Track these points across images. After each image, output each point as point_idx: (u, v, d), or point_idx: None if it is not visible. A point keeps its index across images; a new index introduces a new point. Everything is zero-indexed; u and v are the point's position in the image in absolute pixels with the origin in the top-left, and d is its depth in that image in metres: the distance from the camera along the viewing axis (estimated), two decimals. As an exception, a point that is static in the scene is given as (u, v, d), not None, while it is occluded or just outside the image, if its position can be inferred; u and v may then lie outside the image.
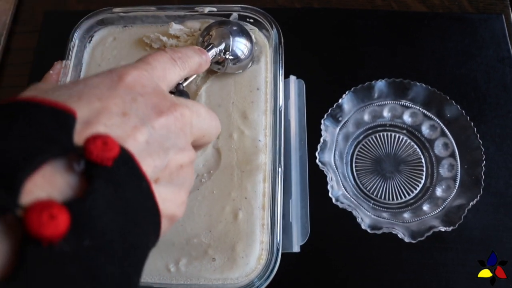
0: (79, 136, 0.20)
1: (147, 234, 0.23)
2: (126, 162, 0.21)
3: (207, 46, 0.39)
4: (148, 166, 0.22)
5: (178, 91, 0.35)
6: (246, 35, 0.43)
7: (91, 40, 0.46)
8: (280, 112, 0.41)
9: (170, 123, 0.25)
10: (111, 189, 0.20)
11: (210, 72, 0.44)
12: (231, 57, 0.41)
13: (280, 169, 0.39)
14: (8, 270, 0.16)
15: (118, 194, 0.20)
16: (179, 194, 0.26)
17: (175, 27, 0.45)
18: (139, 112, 0.23)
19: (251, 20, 0.45)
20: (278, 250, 0.36)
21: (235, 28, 0.42)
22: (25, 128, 0.19)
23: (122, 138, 0.21)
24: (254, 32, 0.45)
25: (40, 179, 0.18)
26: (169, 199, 0.25)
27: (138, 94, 0.24)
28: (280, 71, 0.42)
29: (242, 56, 0.42)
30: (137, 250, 0.21)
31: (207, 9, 0.45)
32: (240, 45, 0.42)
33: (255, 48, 0.44)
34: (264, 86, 0.43)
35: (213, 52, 0.39)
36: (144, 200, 0.22)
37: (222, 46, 0.41)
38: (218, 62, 0.41)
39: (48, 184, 0.18)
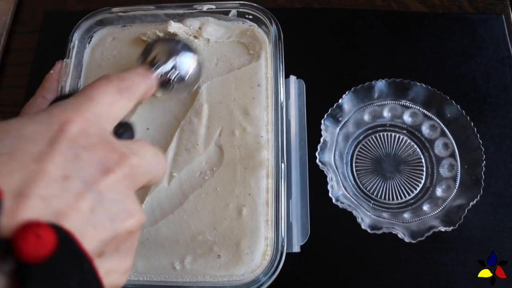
0: (8, 220, 0.17)
1: None
2: (66, 247, 0.18)
3: (151, 67, 0.35)
4: (92, 240, 0.20)
5: (121, 125, 0.30)
6: (192, 50, 0.39)
7: (90, 40, 0.46)
8: (282, 108, 0.41)
9: (118, 182, 0.22)
10: (50, 284, 0.17)
11: (208, 71, 0.43)
12: (177, 76, 0.37)
13: (283, 164, 0.39)
14: None
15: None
16: (125, 261, 0.23)
17: (174, 26, 0.45)
18: (83, 173, 0.20)
19: (250, 17, 0.45)
20: (283, 246, 0.36)
21: (180, 45, 0.38)
22: None
23: (61, 214, 0.19)
24: (254, 28, 0.45)
25: None
26: (113, 270, 0.22)
27: (82, 148, 0.21)
28: (281, 67, 0.42)
29: (188, 75, 0.38)
30: None
31: (206, 7, 0.45)
32: (186, 63, 0.38)
33: (254, 45, 0.44)
34: (265, 82, 0.43)
35: (157, 73, 0.35)
36: (87, 284, 0.19)
37: (168, 65, 0.36)
38: (163, 83, 0.36)
39: None
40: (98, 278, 0.19)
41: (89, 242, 0.19)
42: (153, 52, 0.37)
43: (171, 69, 0.36)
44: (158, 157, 0.27)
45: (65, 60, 0.42)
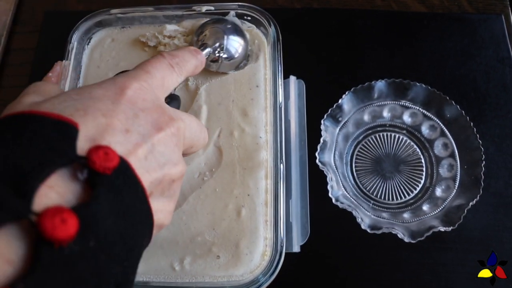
0: (83, 147, 0.22)
1: (142, 238, 0.24)
2: (125, 172, 0.22)
3: (201, 45, 0.39)
4: (145, 181, 0.24)
5: (170, 96, 0.34)
6: (240, 33, 0.43)
7: (89, 42, 0.46)
8: (280, 109, 0.41)
9: (167, 139, 0.26)
10: (112, 195, 0.21)
11: (207, 72, 0.44)
12: (225, 56, 0.41)
13: (282, 165, 0.39)
14: (24, 269, 0.18)
15: (118, 200, 0.21)
16: (169, 205, 0.28)
17: (169, 28, 0.45)
18: (140, 128, 0.25)
19: (249, 18, 0.45)
20: (282, 246, 0.36)
21: (229, 26, 0.42)
22: (32, 140, 0.20)
23: (124, 155, 0.23)
24: (252, 30, 0.45)
25: (48, 187, 0.20)
26: (160, 210, 0.26)
27: (140, 109, 0.26)
28: (279, 68, 0.42)
29: (236, 54, 0.42)
30: (134, 251, 0.23)
31: (204, 8, 0.45)
32: (234, 43, 0.42)
33: (253, 46, 0.45)
34: (263, 83, 0.43)
35: (207, 51, 0.39)
36: (140, 208, 0.24)
37: (217, 45, 0.41)
38: (212, 60, 0.41)
39: (55, 192, 0.20)
40: (149, 206, 0.24)
41: (143, 180, 0.23)
42: (204, 32, 0.42)
43: (220, 48, 0.41)
44: (201, 127, 0.32)
45: (63, 62, 0.42)
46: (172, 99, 0.36)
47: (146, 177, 0.24)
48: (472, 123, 0.43)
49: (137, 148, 0.24)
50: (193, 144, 0.31)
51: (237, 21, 0.45)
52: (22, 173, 0.19)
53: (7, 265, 0.17)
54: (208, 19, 0.45)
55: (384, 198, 0.44)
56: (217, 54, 0.41)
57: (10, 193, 0.18)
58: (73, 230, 0.18)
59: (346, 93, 0.45)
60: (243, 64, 0.43)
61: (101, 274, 0.20)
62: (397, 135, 0.47)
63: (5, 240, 0.18)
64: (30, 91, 0.27)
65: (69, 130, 0.22)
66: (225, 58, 0.41)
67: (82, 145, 0.22)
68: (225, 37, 0.41)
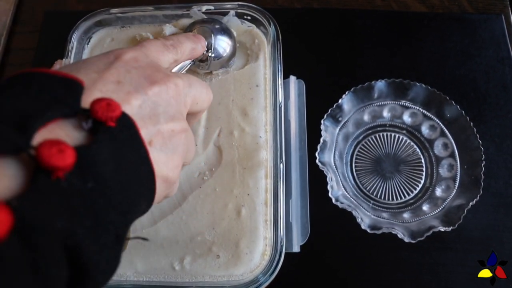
0: (87, 101, 0.23)
1: (144, 191, 0.25)
2: (127, 124, 0.23)
3: None
4: (142, 128, 0.24)
5: None
6: (228, 32, 0.43)
7: (89, 41, 0.46)
8: (280, 108, 0.41)
9: (163, 91, 0.27)
10: (114, 144, 0.22)
11: (207, 72, 0.44)
12: (213, 55, 0.41)
13: (281, 165, 0.39)
14: (21, 193, 0.18)
15: (119, 151, 0.22)
16: (172, 158, 0.27)
17: (167, 30, 0.45)
18: (133, 81, 0.26)
19: (249, 18, 0.45)
20: (282, 245, 0.36)
21: (217, 26, 0.42)
22: (38, 92, 0.21)
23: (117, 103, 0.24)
24: (252, 29, 0.45)
25: (49, 131, 0.20)
26: (162, 162, 0.26)
27: (133, 67, 0.27)
28: (279, 68, 0.43)
29: (224, 53, 0.42)
30: (136, 206, 0.24)
31: (204, 8, 0.45)
32: (222, 43, 0.42)
33: (253, 45, 0.45)
34: (263, 83, 0.43)
35: None
36: (141, 160, 0.24)
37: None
38: (201, 60, 0.41)
39: (56, 135, 0.21)
40: (148, 158, 0.24)
41: (138, 127, 0.24)
42: (193, 32, 0.42)
43: (208, 48, 0.41)
44: (202, 83, 0.32)
45: (63, 60, 0.43)
46: None
47: (141, 124, 0.24)
48: (472, 123, 0.43)
49: (130, 96, 0.24)
50: (197, 99, 0.31)
51: (237, 20, 0.45)
52: (26, 116, 0.20)
53: (6, 190, 0.18)
54: (205, 16, 0.45)
55: (384, 198, 0.44)
56: (206, 53, 0.41)
57: (11, 130, 0.19)
58: (69, 161, 0.19)
59: (346, 93, 0.45)
60: (232, 62, 0.44)
61: (98, 217, 0.20)
62: (397, 135, 0.47)
63: (4, 169, 0.18)
64: None
65: (75, 86, 0.23)
66: (214, 57, 0.42)
67: (86, 99, 0.23)
68: (213, 36, 0.41)
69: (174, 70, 0.35)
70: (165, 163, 0.27)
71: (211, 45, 0.41)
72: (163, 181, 0.27)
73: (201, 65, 0.42)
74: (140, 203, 0.24)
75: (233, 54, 0.43)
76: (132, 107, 0.24)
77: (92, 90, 0.23)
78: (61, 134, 0.21)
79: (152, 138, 0.25)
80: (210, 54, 0.41)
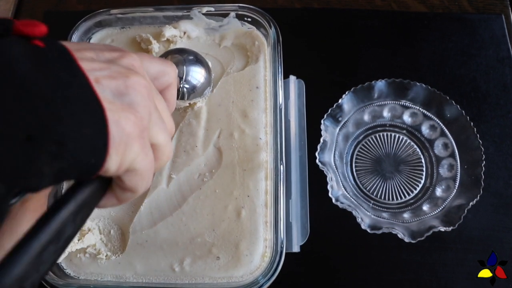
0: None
1: (86, 118, 0.21)
2: (58, 47, 0.22)
3: None
4: (82, 60, 0.22)
5: None
6: (201, 62, 0.41)
7: (89, 42, 0.46)
8: (280, 110, 0.41)
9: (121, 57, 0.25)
10: (33, 54, 0.20)
11: None
12: (186, 86, 0.39)
13: (281, 166, 0.39)
14: None
15: (44, 65, 0.20)
16: (135, 114, 0.23)
17: (166, 34, 0.45)
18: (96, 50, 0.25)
19: (249, 19, 0.45)
20: (282, 247, 0.36)
21: (190, 57, 0.40)
22: None
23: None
24: (253, 31, 0.45)
25: None
26: (123, 118, 0.22)
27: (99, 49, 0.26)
28: (279, 69, 0.42)
29: (198, 84, 0.40)
30: (66, 127, 0.20)
31: (205, 9, 0.45)
32: (195, 74, 0.40)
33: (253, 47, 0.45)
34: (263, 85, 0.43)
35: None
36: (78, 86, 0.21)
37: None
38: None
39: None
40: (91, 88, 0.21)
41: (80, 54, 0.23)
42: None
43: (180, 79, 0.39)
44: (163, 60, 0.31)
45: None
46: None
47: (79, 55, 0.22)
48: (472, 123, 0.43)
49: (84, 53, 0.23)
50: (158, 72, 0.30)
51: (237, 22, 0.45)
52: None
53: None
54: (172, 48, 0.44)
55: (384, 198, 0.44)
56: (179, 85, 0.39)
57: None
58: None
59: (346, 93, 0.45)
60: (207, 91, 0.42)
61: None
62: (397, 135, 0.47)
63: None
64: None
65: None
66: (187, 88, 0.40)
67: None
68: (185, 68, 0.39)
69: None
70: (127, 119, 0.22)
71: (183, 77, 0.39)
72: (121, 136, 0.22)
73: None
74: (82, 130, 0.20)
75: (207, 83, 0.41)
76: (88, 59, 0.23)
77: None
78: None
79: (99, 75, 0.22)
80: (182, 85, 0.39)
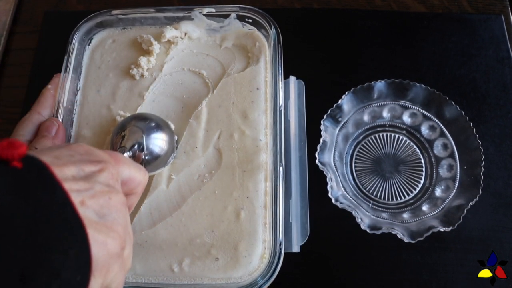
0: None
1: (64, 241, 0.21)
2: (36, 164, 0.22)
3: (119, 148, 0.36)
4: (63, 173, 0.23)
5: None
6: (163, 128, 0.39)
7: (90, 42, 0.46)
8: (280, 111, 0.41)
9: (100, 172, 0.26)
10: (13, 179, 0.20)
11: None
12: (148, 156, 0.37)
13: (281, 168, 0.39)
14: None
15: (24, 190, 0.20)
16: (112, 230, 0.24)
17: (167, 35, 0.45)
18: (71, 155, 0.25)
19: (250, 20, 0.45)
20: (281, 248, 0.37)
21: (152, 124, 0.39)
22: None
23: (40, 152, 0.24)
24: (253, 32, 0.45)
25: None
26: (104, 236, 0.23)
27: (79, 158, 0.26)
28: (280, 71, 0.42)
29: (162, 152, 0.39)
30: (52, 254, 0.20)
31: (205, 10, 0.45)
32: (157, 141, 0.38)
33: (253, 48, 0.45)
34: (264, 86, 0.43)
35: (126, 155, 0.35)
36: (58, 205, 0.22)
37: (135, 147, 0.37)
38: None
39: None
40: (72, 205, 0.22)
41: (59, 173, 0.23)
42: (122, 133, 0.38)
43: (140, 149, 0.37)
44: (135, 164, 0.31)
45: (62, 74, 0.42)
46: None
47: (61, 175, 0.23)
48: (472, 123, 0.43)
49: (61, 161, 0.24)
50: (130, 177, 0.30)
51: (238, 23, 0.45)
52: None
53: None
54: (133, 114, 0.42)
55: (384, 198, 0.44)
56: (140, 154, 0.37)
57: None
58: None
59: (346, 93, 0.45)
60: (171, 158, 0.40)
61: None
62: (396, 135, 0.47)
63: None
64: None
65: None
66: (150, 158, 0.38)
67: None
68: (144, 136, 0.37)
69: None
70: (111, 237, 0.23)
71: (143, 146, 0.37)
72: (107, 251, 0.23)
73: None
74: (58, 253, 0.20)
75: (172, 149, 0.40)
76: (50, 157, 0.24)
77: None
78: None
79: (83, 197, 0.23)
80: (143, 156, 0.37)
